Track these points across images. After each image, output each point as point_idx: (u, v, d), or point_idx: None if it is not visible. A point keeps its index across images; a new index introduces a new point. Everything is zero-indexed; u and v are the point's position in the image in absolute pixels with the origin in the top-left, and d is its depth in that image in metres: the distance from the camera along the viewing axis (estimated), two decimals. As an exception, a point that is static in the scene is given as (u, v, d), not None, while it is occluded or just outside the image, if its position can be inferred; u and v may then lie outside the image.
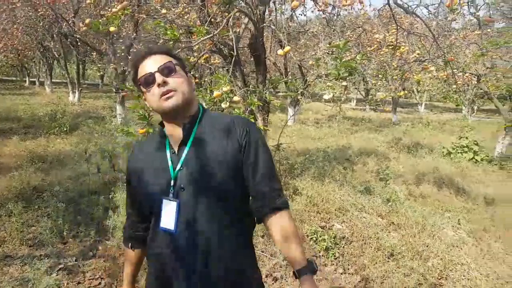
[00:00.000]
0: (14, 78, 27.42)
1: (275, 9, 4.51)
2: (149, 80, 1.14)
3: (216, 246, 1.12)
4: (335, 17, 7.02)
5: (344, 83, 2.98)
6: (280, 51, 2.92)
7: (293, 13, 6.82)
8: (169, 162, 1.16)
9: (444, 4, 3.09)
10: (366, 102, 19.77)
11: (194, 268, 1.12)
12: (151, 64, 1.15)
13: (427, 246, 3.74)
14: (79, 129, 8.27)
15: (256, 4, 3.81)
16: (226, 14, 3.41)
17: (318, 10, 4.53)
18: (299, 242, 1.16)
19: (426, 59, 6.61)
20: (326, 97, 3.21)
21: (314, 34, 7.96)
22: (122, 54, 9.01)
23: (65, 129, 8.10)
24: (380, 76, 7.02)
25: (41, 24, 11.55)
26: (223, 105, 2.63)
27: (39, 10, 10.14)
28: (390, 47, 4.77)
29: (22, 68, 25.05)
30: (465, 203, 5.38)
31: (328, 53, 5.34)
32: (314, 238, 3.67)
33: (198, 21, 3.97)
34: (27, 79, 25.42)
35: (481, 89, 7.64)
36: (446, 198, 5.57)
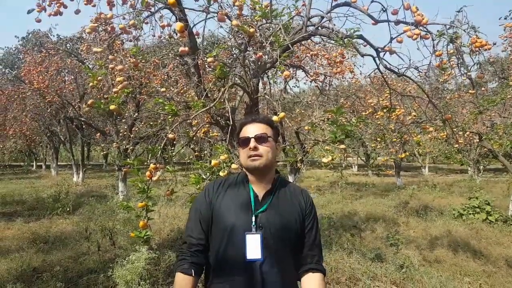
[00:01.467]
0: (21, 163, 28.00)
1: (268, 82, 4.75)
2: (246, 142, 1.46)
3: (286, 272, 1.42)
4: (328, 86, 7.39)
5: (342, 146, 3.01)
6: (275, 117, 2.99)
7: (287, 84, 7.17)
8: (252, 204, 1.43)
9: (433, 66, 3.23)
10: (368, 167, 19.77)
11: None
12: (252, 130, 1.47)
13: (449, 316, 3.42)
14: (81, 208, 8.18)
15: (250, 77, 4.03)
16: (222, 88, 3.58)
17: (310, 81, 4.75)
18: None
19: (423, 120, 6.77)
20: (324, 160, 3.21)
21: (308, 104, 8.31)
22: (125, 133, 9.33)
23: (67, 209, 8.02)
24: (378, 139, 7.11)
25: (48, 110, 12.18)
26: (221, 173, 2.63)
27: (46, 97, 10.76)
28: (385, 110, 4.90)
29: (30, 153, 25.72)
30: (485, 266, 5.05)
31: (323, 120, 5.49)
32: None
33: (196, 97, 4.15)
34: (34, 163, 25.97)
35: (484, 147, 7.66)
36: (463, 262, 5.25)
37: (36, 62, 10.66)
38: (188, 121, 4.83)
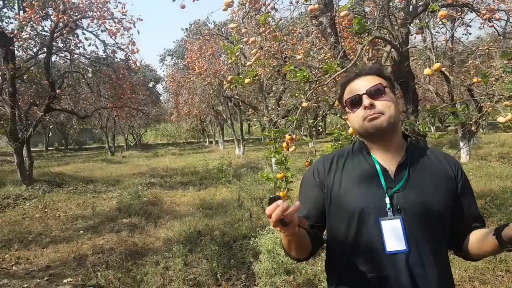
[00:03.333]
0: (197, 140, 33.25)
1: (424, 30, 3.99)
2: (356, 102, 1.14)
3: (440, 262, 1.09)
4: (510, 27, 5.79)
5: None
6: (427, 70, 2.48)
7: (454, 31, 5.99)
8: (382, 180, 1.11)
9: None
10: None
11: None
12: (360, 85, 1.15)
13: None
14: (241, 178, 9.06)
15: (397, 27, 3.46)
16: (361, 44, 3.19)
17: (483, 22, 3.75)
18: None
19: None
20: (501, 119, 2.54)
21: (486, 54, 6.74)
22: (273, 107, 9.75)
23: (229, 179, 9.01)
24: None
25: (210, 92, 13.85)
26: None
27: (206, 80, 12.17)
28: None
29: (203, 131, 30.12)
30: None
31: (505, 71, 4.34)
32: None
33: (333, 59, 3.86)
34: (206, 139, 30.35)
35: None
36: None
37: (196, 49, 12.09)
38: (328, 87, 4.60)
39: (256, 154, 16.48)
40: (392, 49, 3.57)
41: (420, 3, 3.45)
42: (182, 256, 3.88)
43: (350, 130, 2.40)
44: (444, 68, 4.79)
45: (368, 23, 3.63)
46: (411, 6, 3.49)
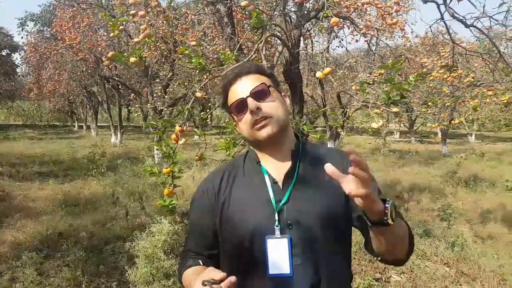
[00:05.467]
0: (63, 124, 29.26)
1: (310, 35, 4.19)
2: (241, 107, 1.03)
3: (333, 280, 0.98)
4: (375, 46, 6.65)
5: (395, 109, 2.58)
6: (319, 73, 2.55)
7: (330, 43, 6.52)
8: (271, 194, 1.00)
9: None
10: (412, 134, 18.69)
11: None
12: (243, 87, 1.03)
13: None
14: (116, 170, 8.21)
15: (291, 28, 3.51)
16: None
17: (360, 34, 4.13)
18: None
19: (482, 83, 5.95)
20: (374, 125, 2.80)
21: (352, 66, 7.59)
22: (159, 94, 9.15)
23: (102, 171, 8.05)
24: (430, 104, 6.40)
25: (84, 69, 12.13)
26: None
27: (79, 54, 10.64)
28: (444, 69, 4.24)
29: (71, 113, 26.67)
30: (551, 245, 4.48)
31: (368, 83, 4.91)
32: (368, 295, 3.05)
33: (229, 51, 3.73)
34: (75, 123, 26.98)
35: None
36: (522, 239, 4.70)
37: (68, 17, 10.43)
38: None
39: (136, 144, 15.33)
40: (283, 49, 3.63)
41: (313, 8, 3.58)
42: (36, 264, 3.22)
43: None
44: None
45: (265, 19, 3.60)
46: (305, 10, 3.58)
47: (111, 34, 2.83)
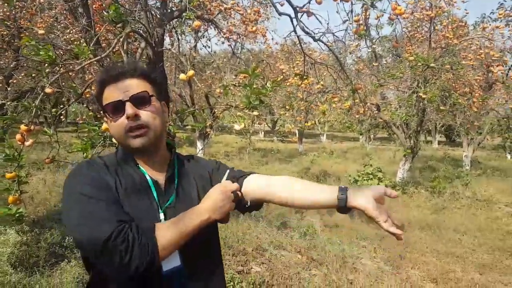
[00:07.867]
0: None
1: (176, 34, 4.10)
2: (118, 109, 0.98)
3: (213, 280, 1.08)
4: (240, 49, 6.98)
5: (255, 113, 2.75)
6: (182, 76, 2.52)
7: (198, 42, 6.55)
8: (155, 196, 1.01)
9: (351, 32, 3.04)
10: (274, 134, 20.38)
11: None
12: (124, 90, 0.98)
13: (351, 283, 3.53)
14: None
15: (153, 26, 3.36)
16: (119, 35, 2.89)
17: (224, 38, 4.25)
18: None
19: (329, 90, 6.89)
20: (237, 127, 2.94)
21: (219, 67, 7.79)
22: (0, 85, 7.72)
23: None
24: (287, 107, 7.08)
25: None
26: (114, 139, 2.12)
27: None
28: (298, 77, 4.73)
29: None
30: (377, 230, 5.46)
31: (234, 85, 5.13)
32: (231, 286, 3.17)
33: (84, 43, 3.35)
34: None
35: (380, 118, 8.23)
36: (359, 226, 5.61)
37: None
38: (75, 73, 3.97)
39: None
40: (146, 46, 3.45)
41: (175, 9, 3.50)
42: None
43: (104, 126, 2.10)
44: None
45: (124, 13, 3.36)
46: (169, 9, 3.48)
47: None
